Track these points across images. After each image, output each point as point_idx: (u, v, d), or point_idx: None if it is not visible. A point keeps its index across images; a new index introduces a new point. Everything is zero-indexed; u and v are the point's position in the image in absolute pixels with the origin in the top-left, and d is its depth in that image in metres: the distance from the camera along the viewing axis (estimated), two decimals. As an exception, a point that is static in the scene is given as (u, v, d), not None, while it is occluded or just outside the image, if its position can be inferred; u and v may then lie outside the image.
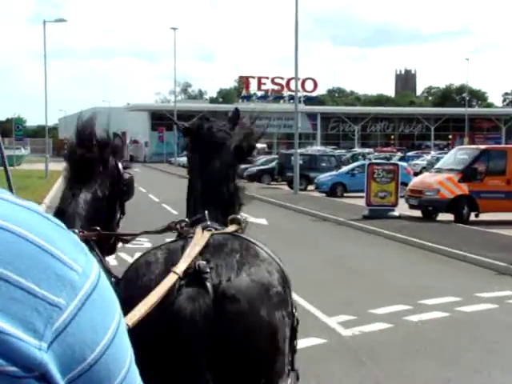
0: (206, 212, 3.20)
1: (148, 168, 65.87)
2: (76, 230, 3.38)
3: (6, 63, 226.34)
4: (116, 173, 3.94)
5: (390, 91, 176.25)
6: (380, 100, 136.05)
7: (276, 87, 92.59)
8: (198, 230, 2.94)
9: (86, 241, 2.99)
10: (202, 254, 2.73)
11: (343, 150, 67.61)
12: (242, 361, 2.60)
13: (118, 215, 4.15)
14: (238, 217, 3.33)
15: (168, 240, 3.23)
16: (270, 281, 2.76)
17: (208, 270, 2.60)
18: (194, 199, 3.51)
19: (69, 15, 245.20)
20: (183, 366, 2.53)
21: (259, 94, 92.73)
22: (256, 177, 39.06)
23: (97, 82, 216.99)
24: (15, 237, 0.77)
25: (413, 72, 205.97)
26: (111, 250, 4.19)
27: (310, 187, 34.53)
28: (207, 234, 2.87)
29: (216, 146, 3.47)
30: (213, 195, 3.40)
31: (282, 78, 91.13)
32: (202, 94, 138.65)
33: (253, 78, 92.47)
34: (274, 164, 40.46)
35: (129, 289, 2.81)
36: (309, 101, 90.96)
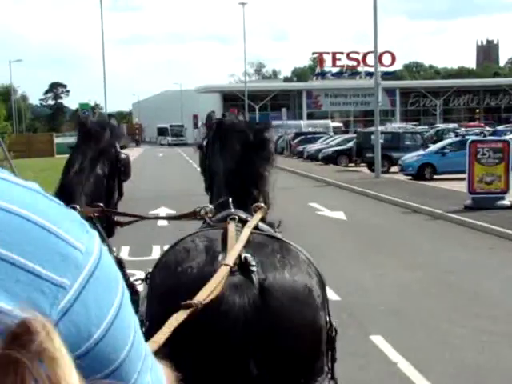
0: (230, 199, 3.21)
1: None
2: (77, 206, 3.44)
3: (86, 50, 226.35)
4: (113, 152, 4.03)
5: (471, 63, 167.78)
6: (461, 73, 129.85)
7: (351, 63, 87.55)
8: (231, 225, 2.89)
9: (88, 218, 3.31)
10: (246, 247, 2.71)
11: (425, 127, 62.76)
12: (282, 357, 2.53)
13: (116, 195, 4.17)
14: (262, 204, 3.28)
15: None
16: (312, 283, 2.73)
17: (254, 264, 2.57)
18: (218, 186, 3.49)
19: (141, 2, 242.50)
20: (230, 354, 2.46)
21: (334, 70, 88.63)
22: (332, 158, 35.41)
23: (171, 67, 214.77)
24: (19, 218, 0.76)
25: (495, 42, 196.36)
26: (109, 231, 4.02)
27: (393, 169, 29.65)
28: (247, 231, 2.81)
29: (238, 135, 3.49)
30: (236, 182, 3.37)
31: (357, 53, 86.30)
32: (276, 73, 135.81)
33: (327, 53, 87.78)
34: (351, 144, 35.99)
35: (167, 275, 2.82)
36: (386, 75, 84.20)
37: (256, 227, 2.98)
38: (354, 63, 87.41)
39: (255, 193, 3.40)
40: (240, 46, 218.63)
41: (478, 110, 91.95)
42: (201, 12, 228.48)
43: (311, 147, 40.98)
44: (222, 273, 2.42)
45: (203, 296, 2.27)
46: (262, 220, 3.18)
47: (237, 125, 3.56)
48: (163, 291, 2.75)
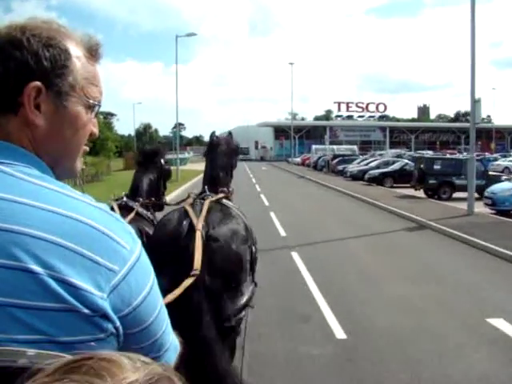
0: (206, 187, 3.15)
1: (271, 165, 53.82)
2: (140, 199, 3.73)
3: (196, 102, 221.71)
4: (160, 165, 4.03)
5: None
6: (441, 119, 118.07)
7: (358, 109, 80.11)
8: (196, 200, 2.93)
9: (146, 206, 3.80)
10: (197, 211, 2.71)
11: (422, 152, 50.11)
12: (221, 272, 2.54)
13: (163, 189, 4.15)
14: (224, 189, 3.19)
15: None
16: (238, 228, 2.75)
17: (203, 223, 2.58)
18: (204, 178, 3.36)
19: (229, 80, 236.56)
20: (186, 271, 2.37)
21: (346, 114, 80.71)
22: (377, 180, 24.02)
23: (243, 112, 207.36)
24: (87, 226, 0.76)
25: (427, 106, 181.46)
26: (160, 209, 4.13)
27: (456, 195, 17.33)
28: (206, 202, 2.81)
29: (216, 150, 3.38)
30: (212, 176, 3.29)
31: (362, 103, 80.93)
32: (304, 119, 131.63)
33: (343, 103, 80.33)
34: (395, 167, 24.92)
35: (155, 230, 3.02)
36: (381, 118, 77.56)
37: (218, 201, 2.96)
38: (360, 110, 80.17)
39: (222, 183, 3.25)
40: (282, 104, 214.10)
41: (437, 143, 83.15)
42: (263, 81, 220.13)
43: (353, 168, 29.68)
44: (198, 236, 2.51)
45: (198, 264, 2.38)
46: (227, 198, 3.13)
47: (215, 141, 3.45)
48: (152, 239, 2.90)
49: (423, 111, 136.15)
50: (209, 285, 2.46)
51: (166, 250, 2.49)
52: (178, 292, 2.18)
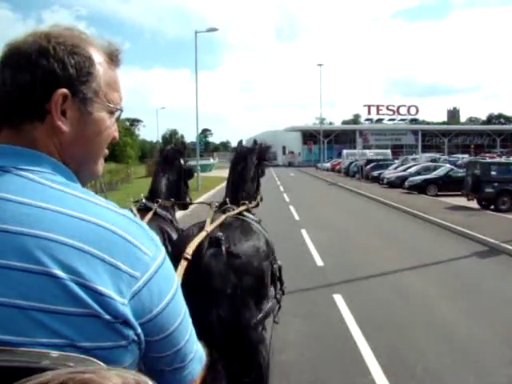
0: (227, 199, 3.14)
1: (299, 172, 51.41)
2: (160, 200, 3.62)
3: (223, 110, 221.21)
4: (179, 165, 3.91)
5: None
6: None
7: (390, 112, 77.19)
8: (216, 214, 2.89)
9: (165, 207, 3.70)
10: (220, 227, 2.67)
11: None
12: (242, 289, 2.52)
13: (185, 189, 4.03)
14: (245, 202, 3.14)
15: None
16: (260, 244, 2.71)
17: (223, 239, 2.55)
18: (226, 191, 3.34)
19: (255, 86, 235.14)
20: (209, 290, 2.45)
21: (377, 117, 78.19)
22: (420, 188, 21.06)
23: (270, 118, 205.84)
24: (110, 232, 0.75)
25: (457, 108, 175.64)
26: (184, 207, 4.21)
27: None
28: (223, 216, 2.80)
29: (240, 159, 3.38)
30: (235, 187, 3.29)
31: (393, 106, 77.64)
32: (332, 123, 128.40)
33: (373, 106, 77.45)
34: (439, 173, 21.79)
35: (179, 236, 3.10)
36: (412, 121, 74.70)
37: (239, 214, 2.96)
38: (391, 113, 77.19)
39: (243, 194, 3.23)
40: (309, 109, 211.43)
41: (471, 146, 79.26)
42: (289, 86, 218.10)
43: (390, 174, 26.80)
44: (202, 233, 2.54)
45: (191, 250, 2.36)
46: (248, 211, 3.10)
47: (240, 151, 3.44)
48: (173, 244, 3.01)
49: (453, 114, 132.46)
50: (229, 301, 2.47)
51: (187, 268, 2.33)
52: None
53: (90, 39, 0.87)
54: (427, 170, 24.58)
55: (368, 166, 32.17)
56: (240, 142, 3.59)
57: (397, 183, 24.22)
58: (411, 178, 22.11)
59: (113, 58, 0.91)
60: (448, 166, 23.87)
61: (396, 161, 36.53)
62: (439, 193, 20.74)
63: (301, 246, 9.86)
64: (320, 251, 9.21)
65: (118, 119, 0.92)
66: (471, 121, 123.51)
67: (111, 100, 0.88)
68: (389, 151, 47.79)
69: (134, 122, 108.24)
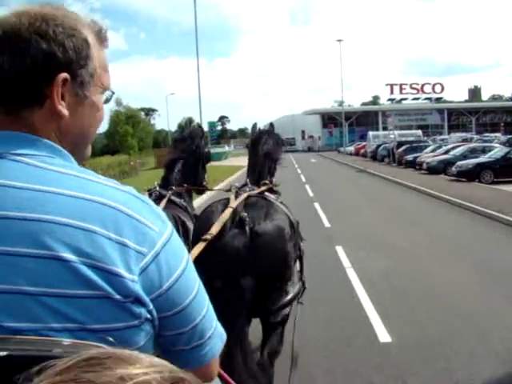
0: (248, 179, 3.17)
1: (321, 157, 47.47)
2: (173, 187, 3.52)
3: (242, 96, 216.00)
4: (198, 148, 3.78)
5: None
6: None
7: (413, 91, 72.08)
8: (241, 193, 2.83)
9: (179, 194, 3.59)
10: (245, 207, 2.63)
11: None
12: (266, 271, 2.47)
13: (202, 174, 3.92)
14: (267, 181, 3.15)
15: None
16: (284, 225, 2.63)
17: (247, 219, 2.51)
18: (247, 173, 3.37)
19: (272, 71, 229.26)
20: (231, 271, 2.41)
21: (400, 97, 73.06)
22: (472, 173, 16.91)
23: (288, 102, 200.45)
24: (113, 209, 0.74)
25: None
26: (199, 192, 4.19)
27: None
28: (245, 194, 2.76)
29: (258, 142, 3.36)
30: (255, 169, 3.28)
31: (417, 84, 72.60)
32: (350, 105, 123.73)
33: (396, 84, 72.28)
34: (494, 155, 17.59)
35: (200, 214, 2.89)
36: (438, 100, 70.54)
37: (261, 193, 2.92)
38: (415, 91, 71.93)
39: (264, 175, 3.25)
40: (327, 93, 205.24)
41: (502, 124, 73.87)
42: (306, 70, 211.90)
43: (429, 158, 22.15)
44: (227, 212, 2.51)
45: (215, 229, 2.35)
46: (270, 190, 3.11)
47: (259, 135, 3.44)
48: (197, 220, 2.91)
49: (474, 93, 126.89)
50: (252, 282, 2.42)
51: (211, 248, 2.32)
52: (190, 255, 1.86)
53: (82, 20, 0.85)
54: (474, 151, 20.55)
55: (400, 149, 28.10)
56: (254, 125, 3.60)
57: (439, 168, 20.23)
58: (460, 163, 18.04)
59: (101, 38, 0.87)
60: (502, 147, 19.75)
61: (430, 142, 32.29)
62: (495, 180, 16.77)
63: (340, 280, 6.23)
64: (366, 285, 5.63)
65: (107, 101, 0.90)
66: (494, 98, 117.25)
67: (104, 82, 0.87)
68: (419, 132, 43.45)
69: (150, 111, 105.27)
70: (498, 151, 18.23)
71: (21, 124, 0.79)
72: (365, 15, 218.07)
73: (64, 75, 0.79)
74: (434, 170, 20.62)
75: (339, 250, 7.87)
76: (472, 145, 22.78)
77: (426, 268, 6.81)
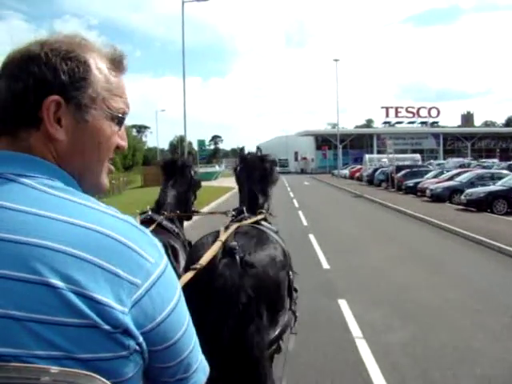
0: (244, 208, 3.12)
1: (315, 179, 45.74)
2: (165, 212, 3.53)
3: (233, 118, 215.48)
4: (189, 177, 3.88)
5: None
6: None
7: (409, 115, 71.46)
8: (232, 225, 2.79)
9: (171, 219, 3.58)
10: (234, 237, 2.56)
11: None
12: (257, 301, 2.35)
13: (192, 200, 3.98)
14: (263, 210, 3.13)
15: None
16: (276, 254, 2.57)
17: (237, 248, 2.43)
18: (240, 197, 3.33)
19: (264, 94, 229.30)
20: (223, 300, 2.31)
21: (395, 120, 72.32)
22: (483, 203, 15.23)
23: (282, 124, 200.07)
24: (109, 238, 0.72)
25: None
26: (188, 219, 4.13)
27: None
28: (235, 225, 2.72)
29: (252, 165, 3.33)
30: (250, 196, 3.23)
31: (413, 108, 72.09)
32: (344, 128, 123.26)
33: (391, 108, 71.35)
34: (507, 183, 15.87)
35: (194, 245, 2.84)
36: (434, 124, 71.50)
37: (256, 222, 2.89)
38: (411, 115, 71.26)
39: (260, 203, 3.21)
40: (321, 115, 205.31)
41: (497, 150, 73.03)
42: (301, 93, 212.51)
43: (433, 184, 20.46)
44: (216, 244, 2.45)
45: (205, 260, 2.30)
46: (265, 219, 3.05)
47: (251, 158, 3.39)
48: (189, 252, 2.86)
49: (467, 119, 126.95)
50: (243, 313, 2.33)
51: (201, 278, 2.25)
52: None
53: (90, 45, 0.85)
54: (481, 178, 18.93)
55: (399, 174, 26.48)
56: (242, 149, 3.62)
57: (444, 196, 18.55)
58: (470, 191, 16.33)
59: (116, 64, 0.87)
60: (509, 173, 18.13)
61: (430, 167, 30.74)
62: (509, 210, 15.07)
63: (350, 368, 4.38)
64: (379, 359, 3.73)
65: (121, 126, 0.87)
66: (487, 125, 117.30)
67: (112, 106, 0.85)
68: (418, 156, 41.68)
69: (142, 128, 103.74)
70: (510, 179, 16.55)
71: (20, 146, 0.79)
72: (359, 40, 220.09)
73: (53, 98, 0.78)
74: (438, 197, 18.92)
75: (343, 304, 6.03)
76: (479, 171, 21.08)
77: (470, 341, 4.95)
